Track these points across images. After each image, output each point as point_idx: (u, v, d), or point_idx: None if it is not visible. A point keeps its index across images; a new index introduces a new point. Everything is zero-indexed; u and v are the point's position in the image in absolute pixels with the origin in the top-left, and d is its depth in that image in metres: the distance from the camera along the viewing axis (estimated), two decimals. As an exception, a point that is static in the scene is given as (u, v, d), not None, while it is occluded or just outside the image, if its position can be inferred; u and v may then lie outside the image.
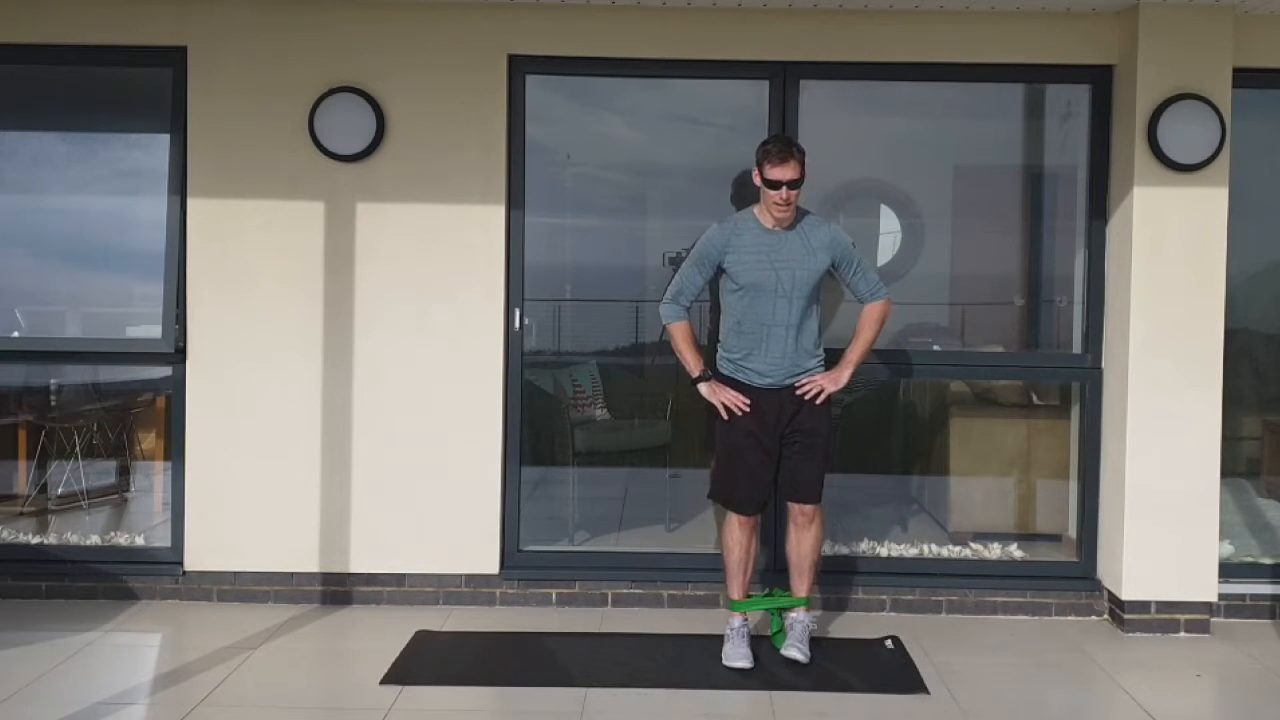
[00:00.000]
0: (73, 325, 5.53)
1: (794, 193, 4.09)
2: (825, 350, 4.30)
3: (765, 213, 4.18)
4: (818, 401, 4.21)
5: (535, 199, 4.97)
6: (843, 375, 4.25)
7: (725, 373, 4.28)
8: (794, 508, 4.30)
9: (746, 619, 4.32)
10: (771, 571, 4.87)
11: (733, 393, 4.21)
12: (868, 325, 4.34)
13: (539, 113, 4.98)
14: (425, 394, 4.87)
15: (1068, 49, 4.86)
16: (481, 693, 4.00)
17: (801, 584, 4.36)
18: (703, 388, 4.26)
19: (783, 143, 4.13)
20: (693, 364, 4.26)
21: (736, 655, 4.19)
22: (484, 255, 4.87)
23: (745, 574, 4.33)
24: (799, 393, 4.19)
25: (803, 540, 4.32)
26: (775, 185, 4.07)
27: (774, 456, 4.23)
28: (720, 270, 4.23)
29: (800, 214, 4.24)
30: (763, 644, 4.45)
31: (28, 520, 5.45)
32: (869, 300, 4.33)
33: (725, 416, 4.22)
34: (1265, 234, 5.18)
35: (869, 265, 4.35)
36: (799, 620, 4.33)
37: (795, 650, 4.22)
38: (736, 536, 4.29)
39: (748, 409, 4.18)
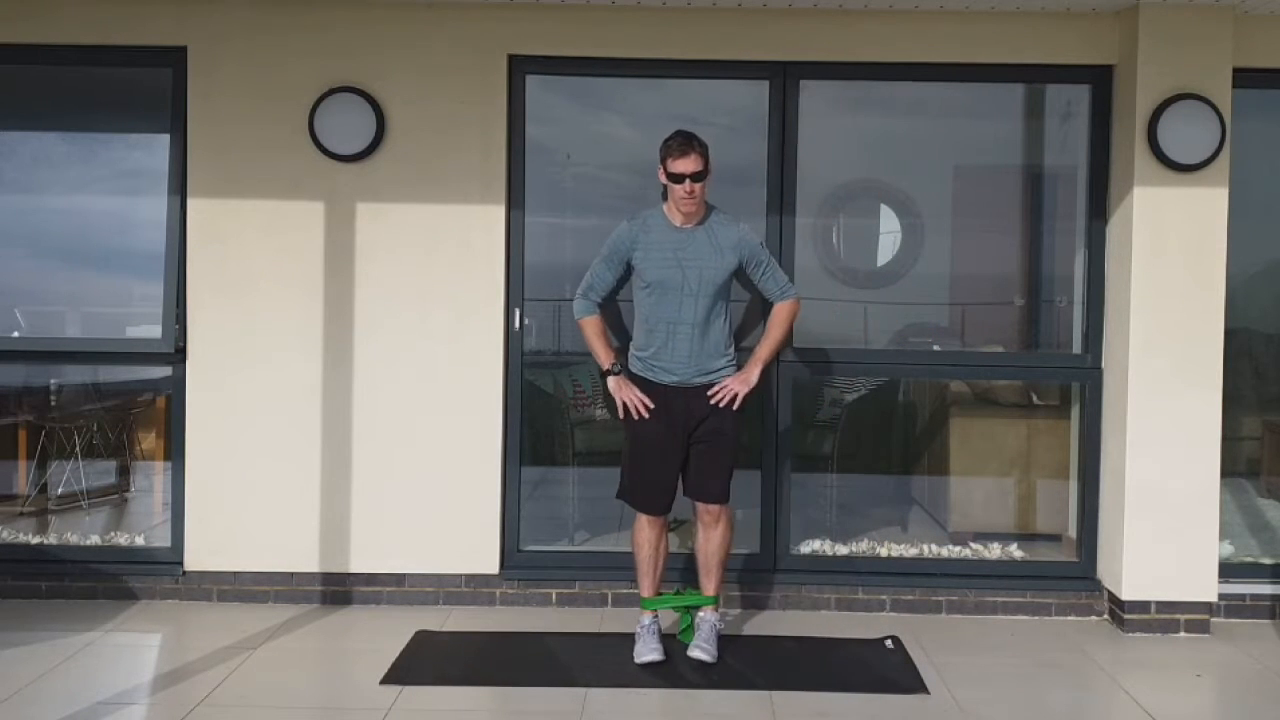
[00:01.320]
0: (73, 325, 5.52)
1: (698, 185, 4.08)
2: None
3: (674, 210, 4.18)
4: (734, 407, 4.20)
5: (535, 199, 4.97)
6: (752, 374, 4.24)
7: (635, 371, 4.28)
8: (700, 507, 4.31)
9: (656, 616, 4.33)
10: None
11: (636, 394, 4.19)
12: (777, 324, 4.33)
13: (539, 113, 4.98)
14: (425, 394, 4.87)
15: (1068, 49, 4.86)
16: (481, 693, 4.00)
17: (709, 583, 4.36)
18: (610, 382, 4.25)
19: (683, 136, 4.12)
20: (603, 358, 4.26)
21: (647, 651, 4.20)
22: (484, 255, 4.87)
23: (655, 572, 4.33)
24: (713, 401, 4.18)
25: (710, 539, 4.32)
26: (679, 179, 4.07)
27: (682, 456, 4.24)
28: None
29: (709, 211, 4.24)
30: (771, 646, 4.46)
31: (28, 520, 5.45)
32: (779, 300, 4.32)
33: (621, 415, 4.22)
34: (1265, 234, 5.18)
35: (777, 265, 4.33)
36: (706, 620, 4.33)
37: (700, 651, 4.22)
38: (645, 535, 4.29)
39: (648, 413, 4.16)
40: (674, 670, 4.17)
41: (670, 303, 4.16)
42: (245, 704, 3.79)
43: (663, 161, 4.12)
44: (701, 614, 4.36)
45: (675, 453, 4.22)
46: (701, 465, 4.24)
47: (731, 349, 4.30)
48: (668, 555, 4.39)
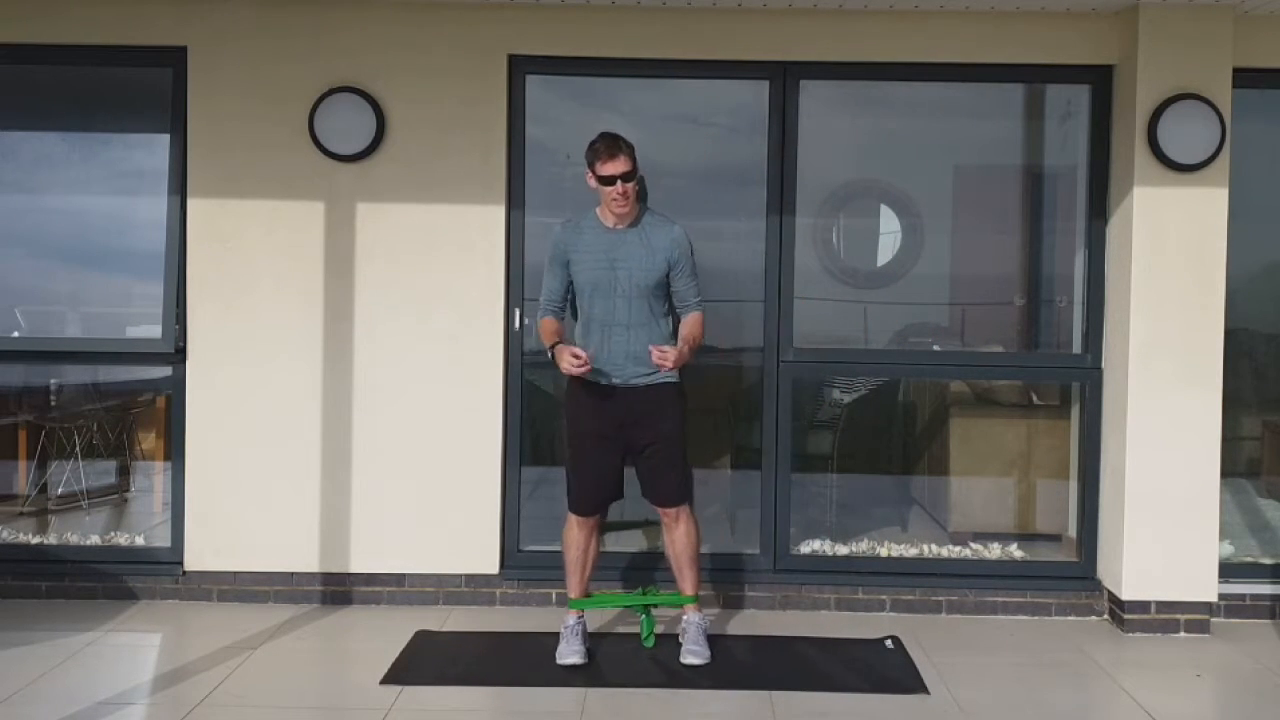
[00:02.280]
0: (73, 325, 5.52)
1: (629, 185, 4.08)
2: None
3: (606, 212, 4.18)
4: (661, 362, 4.03)
5: (535, 199, 4.97)
6: (681, 356, 4.10)
7: (576, 375, 4.24)
8: (659, 511, 4.33)
9: (581, 617, 4.33)
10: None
11: (570, 359, 4.02)
12: (692, 328, 4.24)
13: (539, 113, 4.99)
14: (425, 394, 4.87)
15: (1068, 49, 4.86)
16: (481, 693, 4.00)
17: (684, 583, 4.36)
18: (553, 353, 4.17)
19: (609, 138, 4.12)
20: (547, 341, 4.21)
21: (568, 652, 4.19)
22: (484, 255, 4.87)
23: (583, 573, 4.32)
24: (654, 360, 4.04)
25: (674, 540, 4.32)
26: (609, 181, 4.07)
27: (619, 460, 4.24)
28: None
29: (643, 211, 4.23)
30: (771, 646, 4.46)
31: (28, 520, 5.45)
32: (684, 309, 4.28)
33: (566, 370, 4.08)
34: (1265, 234, 5.17)
35: (696, 276, 4.28)
36: (691, 621, 4.32)
37: (691, 655, 4.20)
38: (574, 536, 4.29)
39: (581, 364, 4.01)
40: (674, 670, 4.17)
41: (603, 304, 4.16)
42: (245, 704, 3.79)
43: (590, 166, 4.11)
44: (686, 616, 4.35)
45: (612, 455, 4.22)
46: (652, 470, 4.25)
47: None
48: (598, 557, 4.39)
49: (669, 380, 4.22)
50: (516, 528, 4.99)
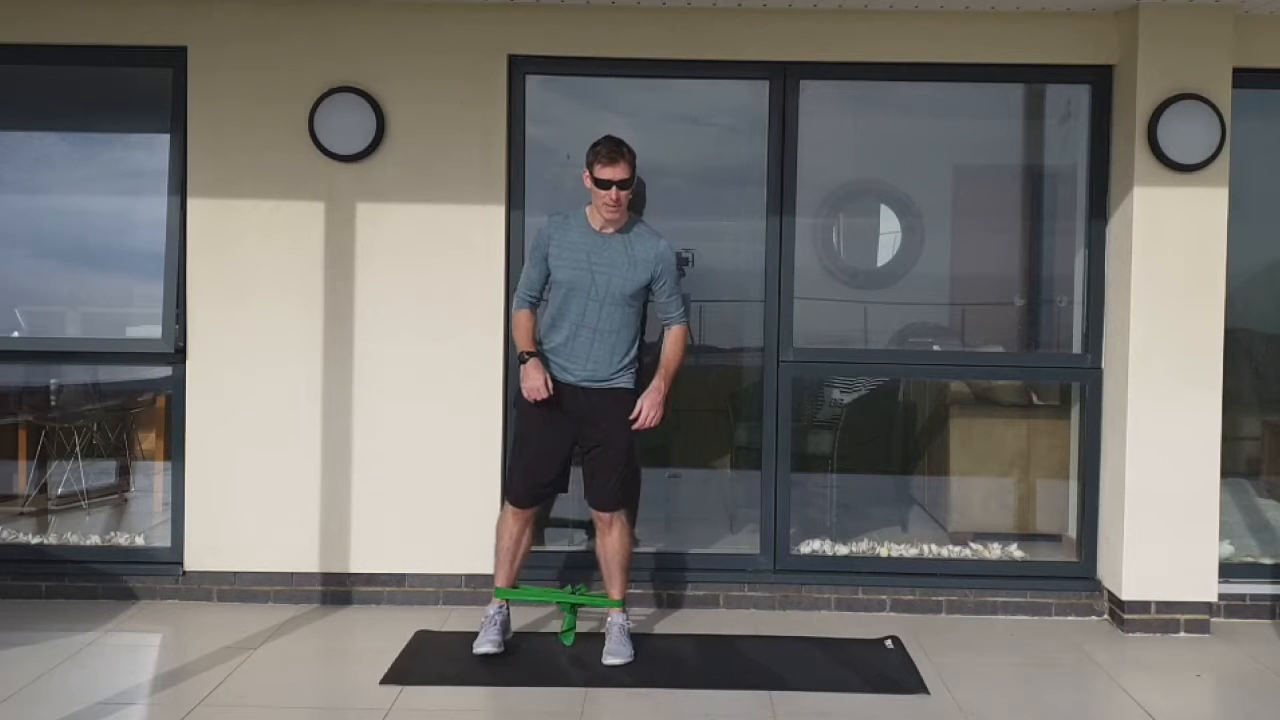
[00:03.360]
0: (73, 325, 5.52)
1: (624, 193, 4.09)
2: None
3: (595, 214, 4.18)
4: (646, 425, 4.20)
5: (535, 199, 4.97)
6: (661, 386, 4.22)
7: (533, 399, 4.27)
8: (593, 513, 4.34)
9: (504, 607, 4.34)
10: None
11: (535, 384, 4.14)
12: (674, 349, 4.29)
13: (539, 113, 4.99)
14: (425, 394, 4.87)
15: (1068, 49, 4.86)
16: (481, 693, 4.00)
17: (613, 587, 4.37)
18: (523, 367, 4.23)
19: (612, 143, 4.12)
20: (522, 344, 4.26)
21: (485, 641, 4.21)
22: (484, 255, 4.87)
23: (512, 563, 4.34)
24: (635, 428, 4.20)
25: (607, 544, 4.34)
26: (605, 185, 4.07)
27: (562, 454, 4.26)
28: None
29: (633, 221, 4.24)
30: (771, 646, 4.46)
31: (28, 520, 5.45)
32: (665, 322, 4.32)
33: (528, 395, 4.18)
34: (1265, 234, 5.17)
35: (679, 291, 4.31)
36: (615, 623, 4.33)
37: (613, 656, 4.21)
38: (508, 525, 4.31)
39: (542, 396, 4.13)
40: (674, 670, 4.17)
41: (576, 305, 4.17)
42: (245, 704, 3.79)
43: (589, 166, 4.11)
44: (610, 618, 4.35)
45: (555, 451, 4.24)
46: (592, 472, 4.27)
47: (634, 358, 4.27)
48: (529, 550, 4.41)
49: (623, 386, 4.24)
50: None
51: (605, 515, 4.30)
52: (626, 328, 4.22)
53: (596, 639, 4.34)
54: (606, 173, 4.06)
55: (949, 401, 5.57)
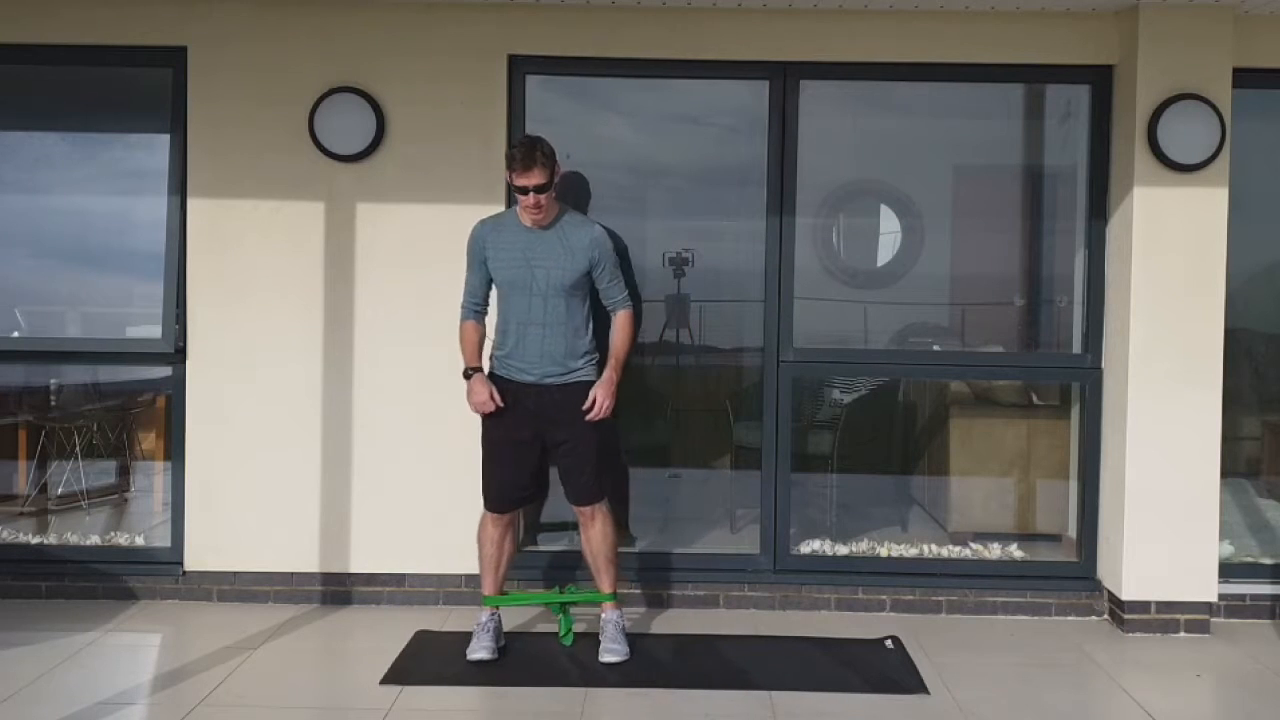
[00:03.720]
0: (73, 325, 5.52)
1: (542, 196, 4.08)
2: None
3: (524, 216, 4.19)
4: (605, 413, 4.22)
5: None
6: (612, 378, 4.25)
7: (494, 370, 4.29)
8: (575, 509, 4.35)
9: (495, 614, 4.34)
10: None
11: (480, 399, 4.20)
12: (622, 335, 4.33)
13: (539, 113, 4.98)
14: (425, 393, 4.86)
15: (1068, 49, 4.86)
16: (481, 693, 4.00)
17: (602, 581, 4.38)
18: (468, 383, 4.26)
19: (525, 149, 4.09)
20: (465, 360, 4.29)
21: (478, 648, 4.21)
22: (484, 255, 4.87)
23: (498, 571, 4.35)
24: (587, 419, 4.20)
25: (590, 538, 4.35)
26: (523, 191, 4.08)
27: (533, 457, 4.26)
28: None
29: (562, 213, 4.25)
30: (771, 646, 4.46)
31: (28, 520, 5.45)
32: (611, 308, 4.34)
33: (476, 410, 4.24)
34: (1265, 234, 5.17)
35: (621, 276, 4.34)
36: (609, 620, 4.33)
37: (610, 653, 4.22)
38: (489, 533, 4.32)
39: (492, 408, 4.18)
40: (674, 670, 4.17)
41: (520, 303, 4.19)
42: (245, 704, 3.79)
43: (508, 169, 4.12)
44: (604, 614, 4.35)
45: (525, 453, 4.25)
46: (566, 468, 4.28)
47: (590, 349, 4.29)
48: (513, 555, 4.41)
49: (584, 379, 4.25)
50: (517, 528, 4.98)
51: (586, 509, 4.31)
52: (575, 318, 4.23)
53: (594, 638, 4.34)
54: (521, 180, 4.07)
55: (949, 401, 5.57)
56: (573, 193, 4.98)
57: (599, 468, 4.30)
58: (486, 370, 4.31)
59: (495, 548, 4.33)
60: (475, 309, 4.33)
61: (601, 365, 4.33)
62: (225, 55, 4.85)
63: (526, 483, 4.31)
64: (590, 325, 4.31)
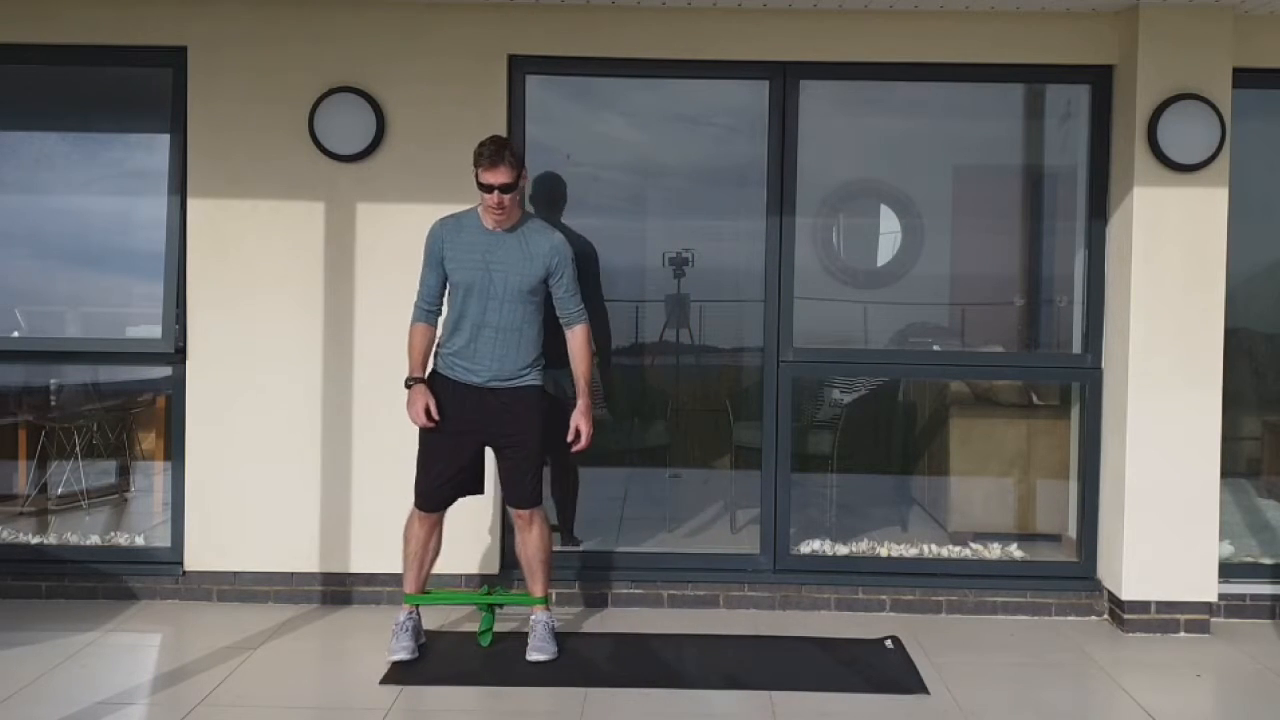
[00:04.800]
0: (73, 325, 5.52)
1: (506, 196, 4.06)
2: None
3: (486, 216, 4.16)
4: (584, 447, 4.24)
5: (535, 199, 4.96)
6: (585, 405, 4.26)
7: (437, 368, 4.26)
8: (512, 511, 4.34)
9: (413, 613, 4.32)
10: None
11: (416, 410, 4.18)
12: (580, 356, 4.30)
13: (539, 113, 4.99)
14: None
15: (1068, 49, 4.86)
16: (481, 693, 4.00)
17: (535, 584, 4.36)
18: (409, 392, 4.24)
19: (494, 146, 4.07)
20: (411, 368, 4.26)
21: (398, 649, 4.19)
22: (484, 255, 4.87)
23: (420, 569, 4.33)
24: (574, 450, 4.23)
25: (527, 542, 4.33)
26: (488, 189, 4.05)
27: (468, 457, 4.24)
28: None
29: (525, 218, 4.24)
30: (771, 646, 4.46)
31: (28, 520, 5.45)
32: (565, 322, 4.30)
33: (413, 416, 4.22)
34: (1265, 234, 5.18)
35: (577, 286, 4.29)
36: (539, 620, 4.32)
37: (537, 651, 4.22)
38: (415, 530, 4.30)
39: (430, 424, 4.17)
40: (674, 670, 4.17)
41: (476, 305, 4.16)
42: (245, 704, 3.79)
43: (475, 167, 4.09)
44: (534, 616, 4.35)
45: (462, 453, 4.22)
46: (508, 471, 4.27)
47: (537, 358, 4.26)
48: (437, 554, 4.39)
49: (531, 383, 4.24)
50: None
51: (524, 513, 4.29)
52: (529, 324, 4.21)
53: (594, 638, 4.34)
54: (487, 177, 4.04)
55: (949, 401, 5.58)
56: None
57: (540, 472, 4.29)
58: (430, 367, 4.27)
59: (420, 546, 4.31)
60: (428, 310, 4.28)
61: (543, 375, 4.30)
62: (225, 55, 4.85)
63: (460, 483, 4.28)
64: (541, 335, 4.27)
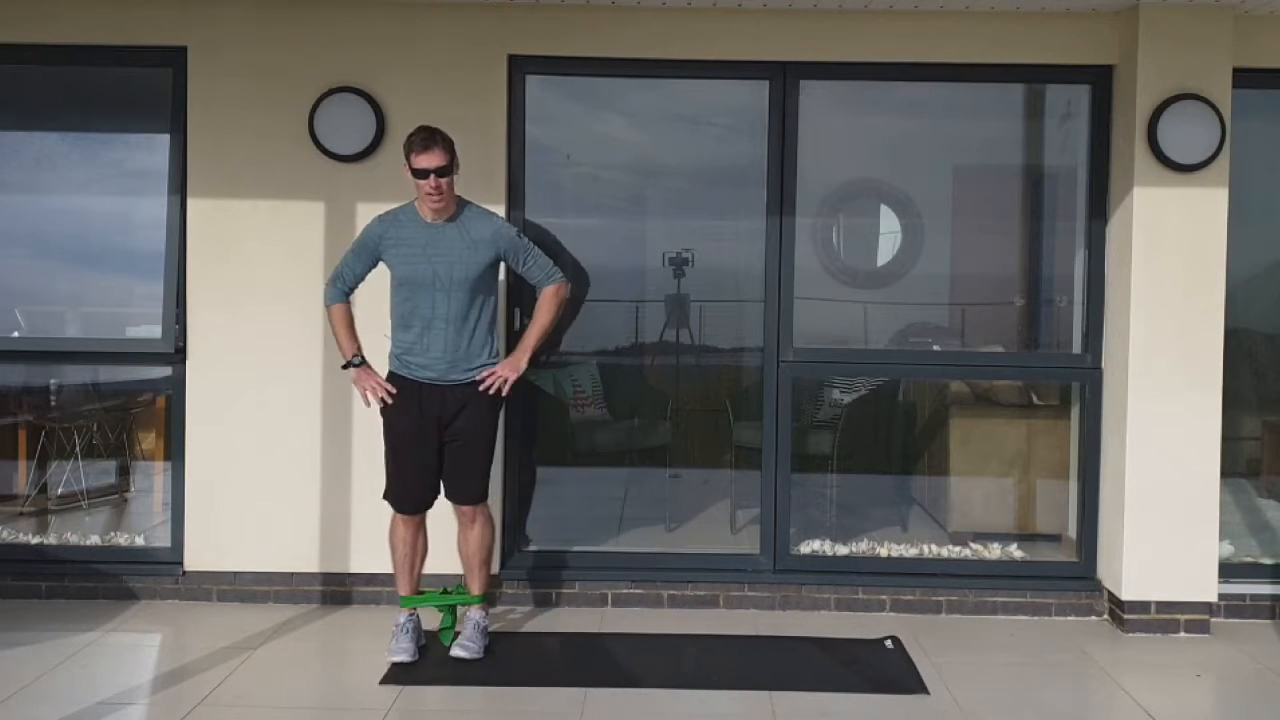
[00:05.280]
0: (73, 325, 5.52)
1: (443, 180, 4.03)
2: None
3: (423, 206, 4.14)
4: (504, 393, 4.19)
5: (535, 199, 4.97)
6: (521, 361, 4.24)
7: (393, 369, 4.24)
8: (455, 508, 4.31)
9: (413, 615, 4.32)
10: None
11: (376, 380, 4.17)
12: (544, 310, 4.29)
13: (539, 113, 4.99)
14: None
15: (1068, 49, 4.86)
16: (481, 693, 4.00)
17: (473, 582, 4.36)
18: (351, 373, 4.23)
19: (425, 131, 4.07)
20: (345, 347, 4.24)
21: (399, 650, 4.18)
22: (484, 255, 4.86)
23: (411, 571, 4.32)
24: (481, 389, 4.16)
25: (468, 539, 4.32)
26: (423, 174, 4.02)
27: (436, 455, 4.21)
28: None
29: (462, 206, 4.21)
30: (771, 646, 4.46)
31: (28, 520, 5.45)
32: (544, 285, 4.29)
33: (366, 404, 4.21)
34: (1265, 234, 5.18)
35: (540, 253, 4.28)
36: (470, 618, 4.33)
37: (461, 649, 4.22)
38: (400, 534, 4.29)
39: (390, 398, 4.14)
40: (674, 669, 4.17)
41: (423, 299, 4.13)
42: (245, 704, 3.79)
43: (406, 157, 4.07)
44: (468, 613, 4.35)
45: (429, 452, 4.20)
46: (454, 464, 4.22)
47: (494, 346, 4.25)
48: (425, 554, 4.37)
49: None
50: (517, 528, 4.98)
51: (469, 509, 4.27)
52: (480, 315, 4.18)
53: (588, 638, 4.33)
54: (422, 160, 4.01)
55: (949, 401, 5.58)
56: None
57: (488, 468, 4.27)
58: (386, 372, 4.25)
59: (408, 549, 4.30)
60: (345, 291, 4.25)
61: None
62: (225, 55, 4.85)
63: (434, 483, 4.26)
64: (495, 325, 4.26)
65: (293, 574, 4.90)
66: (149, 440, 5.68)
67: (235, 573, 4.90)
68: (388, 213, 4.24)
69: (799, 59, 4.89)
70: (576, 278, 4.95)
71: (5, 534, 5.18)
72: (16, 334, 5.29)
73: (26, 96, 5.29)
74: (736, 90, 5.15)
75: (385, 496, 4.29)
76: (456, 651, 4.22)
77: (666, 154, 5.43)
